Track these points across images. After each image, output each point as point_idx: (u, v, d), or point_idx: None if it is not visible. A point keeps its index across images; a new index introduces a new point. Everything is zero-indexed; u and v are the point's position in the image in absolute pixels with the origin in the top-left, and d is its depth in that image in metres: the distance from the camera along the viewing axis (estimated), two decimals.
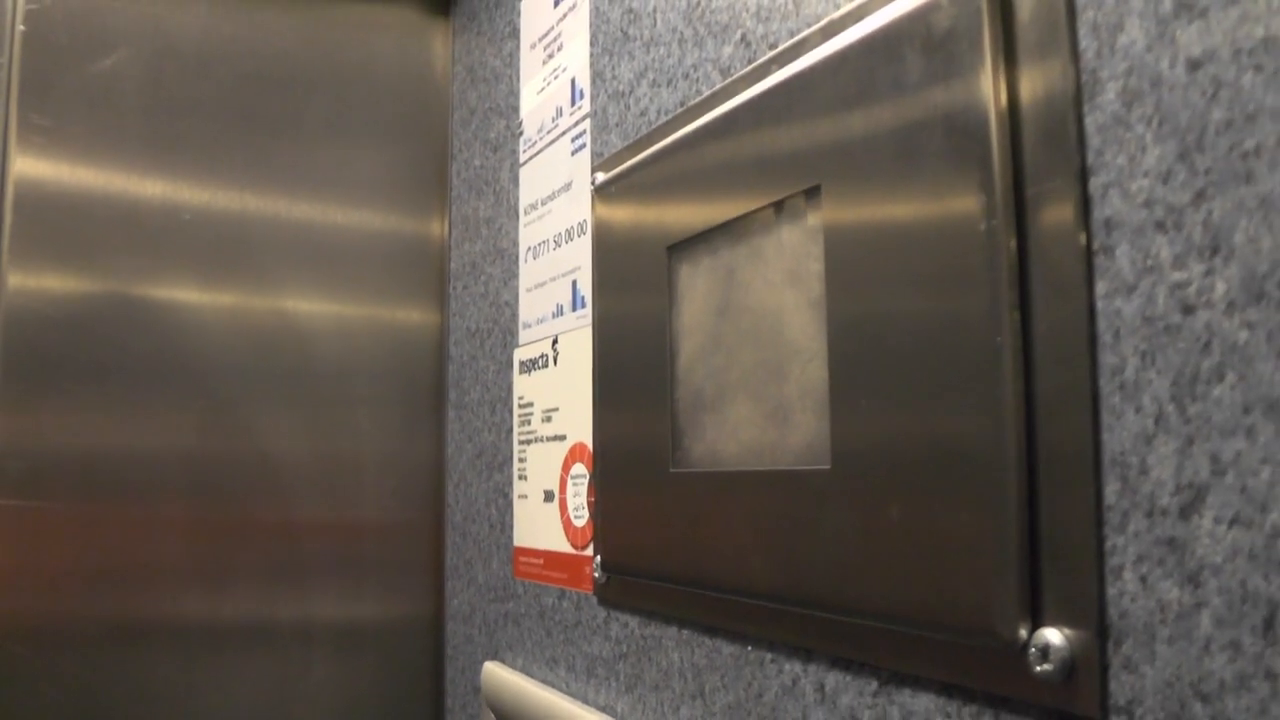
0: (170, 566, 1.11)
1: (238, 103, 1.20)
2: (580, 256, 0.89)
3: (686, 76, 0.74)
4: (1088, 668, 0.41)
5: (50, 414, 1.08)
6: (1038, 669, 0.42)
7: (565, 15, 0.95)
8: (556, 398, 0.92)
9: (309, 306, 1.21)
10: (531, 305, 1.00)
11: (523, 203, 1.04)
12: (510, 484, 1.04)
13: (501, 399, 1.08)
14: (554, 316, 0.94)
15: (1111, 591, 0.41)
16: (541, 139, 1.00)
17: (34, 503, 1.07)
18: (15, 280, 1.08)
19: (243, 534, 1.15)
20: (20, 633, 1.05)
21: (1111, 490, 0.41)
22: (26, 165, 1.10)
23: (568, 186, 0.93)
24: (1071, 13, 0.44)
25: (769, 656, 0.61)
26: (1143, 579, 0.40)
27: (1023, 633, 0.43)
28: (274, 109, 1.22)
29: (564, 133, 0.94)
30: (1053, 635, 0.42)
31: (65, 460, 1.08)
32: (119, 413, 1.11)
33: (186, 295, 1.15)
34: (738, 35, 0.68)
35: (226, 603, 1.14)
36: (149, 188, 1.15)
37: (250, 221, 1.19)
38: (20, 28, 1.12)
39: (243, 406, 1.17)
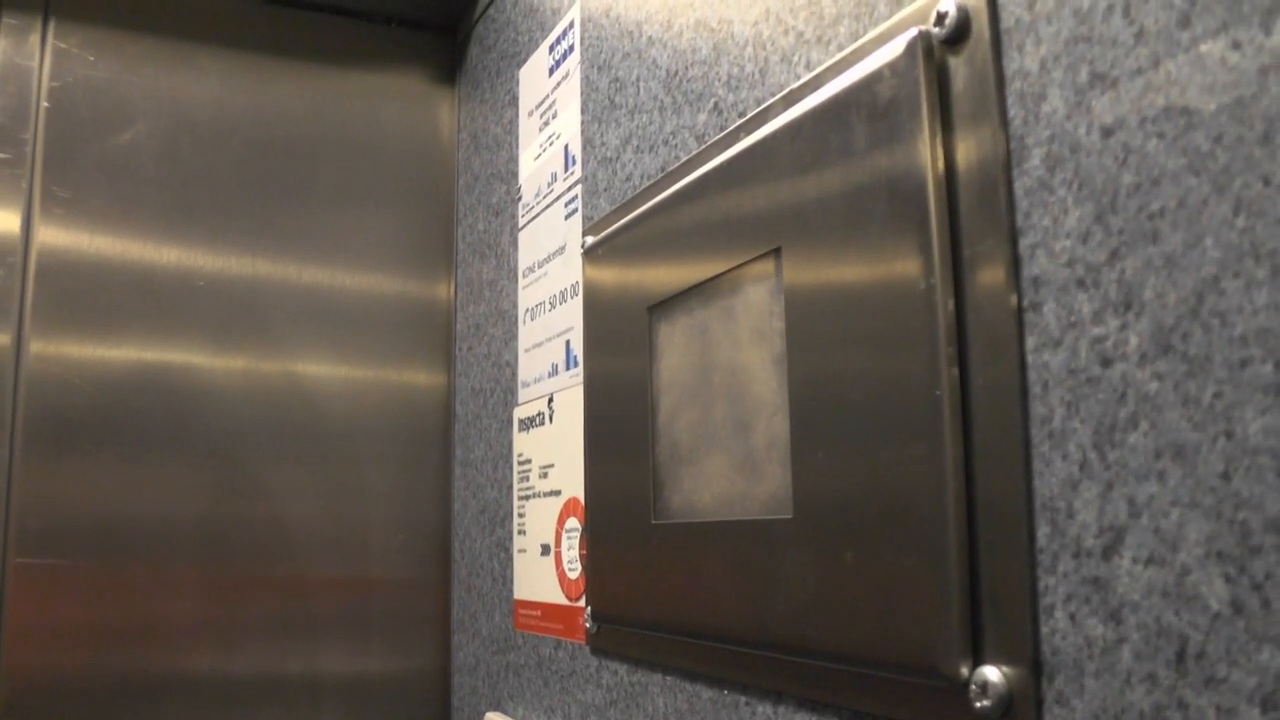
0: (183, 622, 1.14)
1: (250, 172, 1.25)
2: (573, 317, 0.92)
3: (666, 143, 0.77)
4: (1024, 703, 0.43)
5: (69, 474, 1.12)
6: (978, 705, 0.44)
7: (559, 84, 0.99)
8: (552, 454, 0.95)
9: (319, 369, 1.25)
10: (530, 365, 1.03)
11: (521, 265, 1.07)
12: (511, 538, 1.06)
13: (503, 456, 1.11)
14: (550, 376, 0.97)
15: (1044, 629, 0.43)
16: (538, 203, 1.03)
17: (52, 560, 1.10)
18: (36, 346, 1.12)
19: (254, 591, 1.18)
20: (37, 686, 1.08)
21: (1043, 533, 0.43)
22: (48, 235, 1.14)
23: (561, 250, 0.96)
24: (1001, 83, 0.47)
25: (743, 700, 0.63)
26: (1072, 617, 0.42)
27: (964, 671, 0.45)
28: (285, 177, 1.26)
29: (558, 197, 0.98)
30: (991, 673, 0.44)
31: (82, 519, 1.11)
32: (134, 473, 1.14)
33: (200, 359, 1.19)
34: (711, 103, 0.71)
35: (237, 658, 1.16)
36: (164, 255, 1.19)
37: (262, 287, 1.23)
38: (44, 104, 1.17)
39: (254, 467, 1.20)
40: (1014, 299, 0.45)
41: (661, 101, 0.78)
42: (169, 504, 1.15)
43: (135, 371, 1.16)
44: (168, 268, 1.19)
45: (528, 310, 1.04)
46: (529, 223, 1.06)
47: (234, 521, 1.18)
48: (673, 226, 0.71)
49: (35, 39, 1.17)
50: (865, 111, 0.52)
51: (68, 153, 1.17)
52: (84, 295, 1.15)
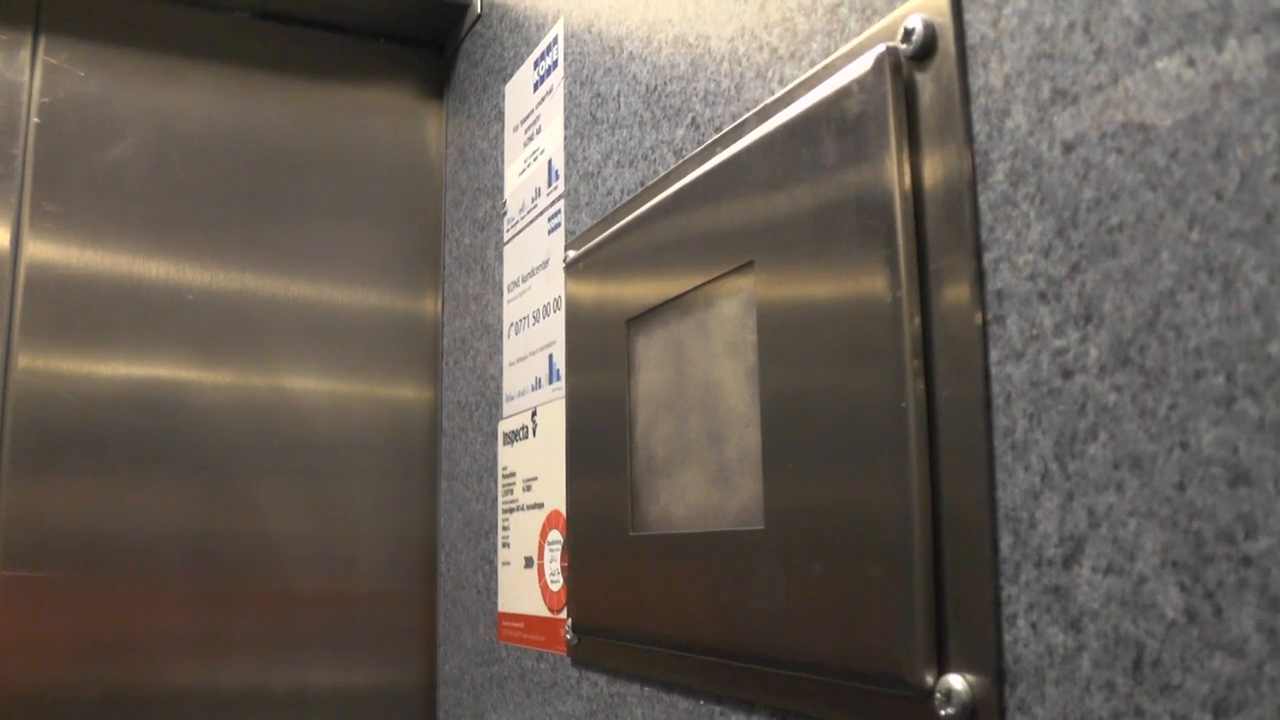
0: (169, 636, 1.14)
1: (239, 186, 1.25)
2: (555, 331, 0.93)
3: (645, 158, 0.78)
4: (987, 711, 0.43)
5: (56, 488, 1.12)
6: (943, 713, 0.45)
7: (543, 99, 1.00)
8: (535, 467, 0.96)
9: (307, 383, 1.25)
10: (514, 379, 1.03)
11: (506, 280, 1.08)
12: (495, 551, 1.07)
13: (488, 469, 1.11)
14: (533, 389, 0.98)
15: (1007, 638, 0.43)
16: (522, 218, 1.04)
17: (38, 574, 1.10)
18: (25, 360, 1.13)
19: (240, 604, 1.18)
20: (22, 700, 1.08)
21: (1006, 543, 0.44)
22: (37, 249, 1.15)
23: (545, 264, 0.96)
24: (966, 99, 0.47)
25: (717, 710, 0.64)
26: (1033, 625, 0.42)
27: (929, 680, 0.45)
28: (274, 191, 1.27)
29: (541, 212, 0.98)
30: (956, 681, 0.44)
31: (69, 533, 1.12)
32: (122, 486, 1.14)
33: (188, 373, 1.19)
34: (689, 119, 0.72)
35: (224, 672, 1.16)
36: (153, 269, 1.19)
37: (250, 301, 1.23)
38: (34, 120, 1.17)
39: (241, 480, 1.20)
40: (978, 312, 0.46)
41: (641, 116, 0.79)
42: (156, 517, 1.15)
43: (124, 385, 1.16)
44: (156, 282, 1.19)
45: (512, 324, 1.05)
46: (514, 237, 1.06)
47: (221, 535, 1.18)
48: (651, 241, 0.72)
49: (25, 54, 1.18)
50: (835, 126, 0.53)
51: (57, 167, 1.17)
52: (73, 309, 1.15)
